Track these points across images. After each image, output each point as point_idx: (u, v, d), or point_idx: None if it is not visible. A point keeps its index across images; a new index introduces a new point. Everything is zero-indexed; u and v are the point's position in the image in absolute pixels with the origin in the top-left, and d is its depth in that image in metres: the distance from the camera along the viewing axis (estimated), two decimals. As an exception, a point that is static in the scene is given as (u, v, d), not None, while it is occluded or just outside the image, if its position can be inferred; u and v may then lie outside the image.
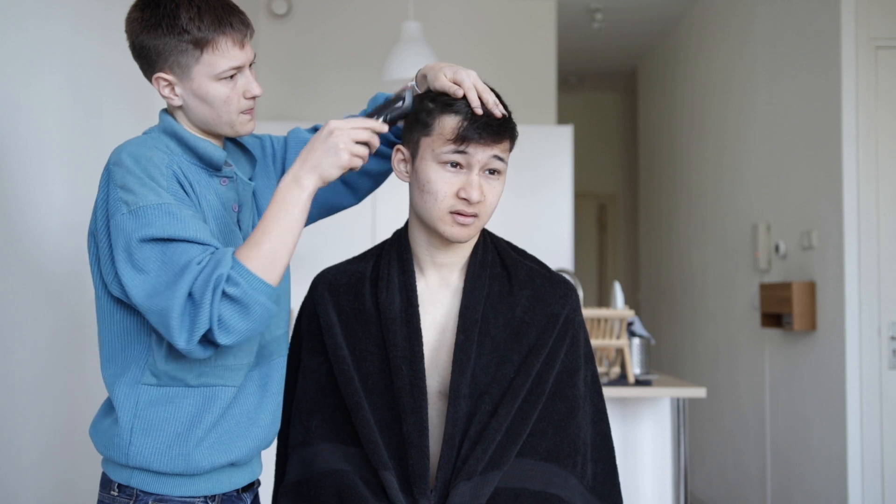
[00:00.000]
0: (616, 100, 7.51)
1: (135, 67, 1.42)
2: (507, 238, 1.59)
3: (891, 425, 3.31)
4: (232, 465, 1.42)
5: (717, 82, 4.84)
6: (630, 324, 3.09)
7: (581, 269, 7.43)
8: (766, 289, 3.87)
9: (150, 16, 1.34)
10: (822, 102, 3.52)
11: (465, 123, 1.36)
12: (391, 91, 2.92)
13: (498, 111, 1.38)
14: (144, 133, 1.43)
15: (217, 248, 1.29)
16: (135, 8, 1.38)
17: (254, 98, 1.41)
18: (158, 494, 1.37)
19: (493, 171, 1.40)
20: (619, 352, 3.06)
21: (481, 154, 1.37)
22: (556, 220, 4.38)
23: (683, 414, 3.01)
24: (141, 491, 1.37)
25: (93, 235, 1.37)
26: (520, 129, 1.51)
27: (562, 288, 1.49)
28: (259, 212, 1.51)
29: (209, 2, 1.35)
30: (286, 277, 1.53)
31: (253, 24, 1.42)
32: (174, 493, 1.37)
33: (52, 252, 2.13)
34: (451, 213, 1.38)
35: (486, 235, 1.52)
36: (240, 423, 1.40)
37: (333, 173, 1.32)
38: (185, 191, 1.34)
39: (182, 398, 1.36)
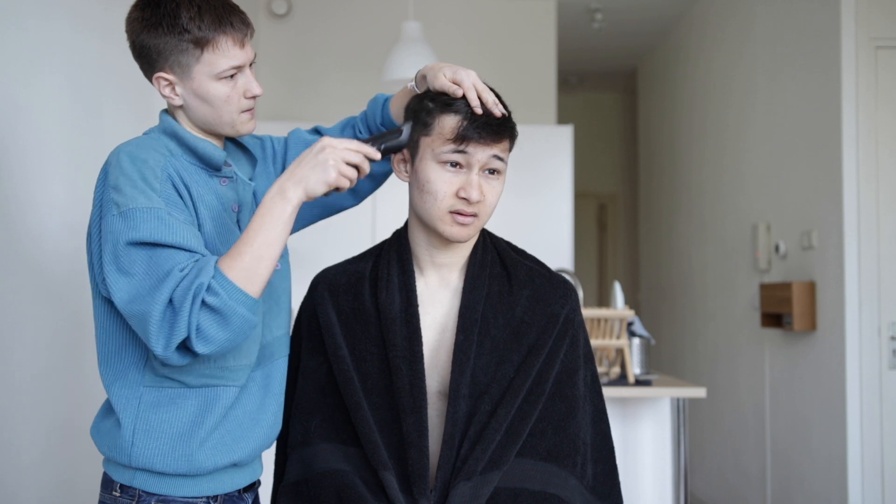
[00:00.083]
0: (616, 100, 7.51)
1: (135, 67, 1.42)
2: (507, 238, 1.59)
3: (891, 425, 3.31)
4: (234, 465, 1.42)
5: (717, 82, 4.84)
6: (630, 324, 3.09)
7: (581, 269, 7.43)
8: (766, 289, 3.87)
9: (150, 15, 1.34)
10: (822, 102, 3.52)
11: (465, 123, 1.36)
12: (391, 91, 2.92)
13: (497, 110, 1.38)
14: (144, 133, 1.43)
15: (203, 256, 1.28)
16: (135, 7, 1.38)
17: (254, 98, 1.41)
18: (161, 495, 1.36)
19: (492, 171, 1.40)
20: (619, 352, 3.06)
21: (481, 154, 1.37)
22: (556, 220, 4.38)
23: (683, 414, 3.01)
24: (143, 491, 1.37)
25: (89, 236, 1.37)
26: (520, 129, 1.51)
27: (561, 288, 1.49)
28: (259, 212, 1.50)
29: (209, 1, 1.35)
30: (286, 277, 1.53)
31: (253, 24, 1.42)
32: (177, 493, 1.37)
33: (52, 252, 2.13)
34: (451, 212, 1.38)
35: (485, 235, 1.52)
36: (242, 424, 1.40)
37: (319, 189, 1.30)
38: (180, 194, 1.33)
39: (184, 399, 1.36)
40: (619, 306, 3.04)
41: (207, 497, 1.40)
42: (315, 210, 1.59)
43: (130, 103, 2.60)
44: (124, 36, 1.40)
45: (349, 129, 1.61)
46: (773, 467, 4.02)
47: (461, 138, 1.36)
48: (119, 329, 1.37)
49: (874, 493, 3.30)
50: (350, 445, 1.42)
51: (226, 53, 1.35)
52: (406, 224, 1.51)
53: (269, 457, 1.64)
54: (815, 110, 3.58)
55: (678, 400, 3.01)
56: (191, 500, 1.38)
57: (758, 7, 4.24)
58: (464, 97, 1.38)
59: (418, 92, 1.47)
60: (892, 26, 3.36)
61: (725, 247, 4.64)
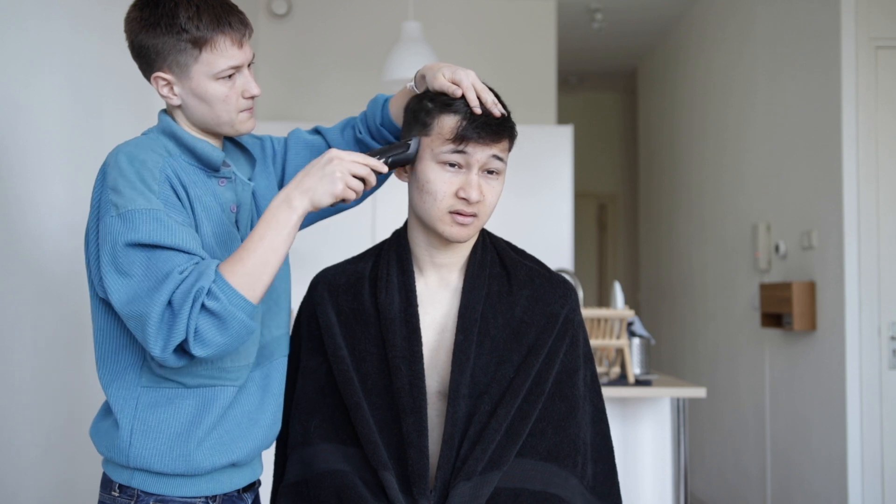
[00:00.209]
0: (616, 100, 7.51)
1: (135, 67, 1.42)
2: (507, 238, 1.59)
3: (891, 425, 3.31)
4: (233, 465, 1.42)
5: (717, 82, 4.84)
6: (630, 324, 3.09)
7: (581, 269, 7.43)
8: (766, 289, 3.87)
9: (148, 15, 1.34)
10: (822, 102, 3.52)
11: (464, 123, 1.36)
12: (391, 91, 2.92)
13: (497, 110, 1.38)
14: (143, 134, 1.43)
15: (203, 258, 1.29)
16: (134, 7, 1.38)
17: (252, 98, 1.41)
18: (159, 495, 1.36)
19: (492, 171, 1.40)
20: (619, 352, 3.06)
21: (480, 154, 1.37)
22: (556, 220, 4.38)
23: (683, 414, 3.01)
24: (142, 491, 1.37)
25: (87, 236, 1.37)
26: (520, 129, 1.51)
27: (561, 288, 1.49)
28: (258, 212, 1.50)
29: (208, 1, 1.35)
30: (286, 277, 1.53)
31: (252, 24, 1.42)
32: (175, 493, 1.37)
33: (52, 252, 2.13)
34: (451, 212, 1.38)
35: (485, 235, 1.52)
36: (241, 424, 1.40)
37: (325, 200, 1.31)
38: (178, 195, 1.33)
39: (181, 399, 1.36)
40: (619, 306, 3.04)
41: (206, 497, 1.40)
42: (315, 212, 1.59)
43: (130, 103, 2.60)
44: (124, 36, 1.40)
45: (349, 130, 1.61)
46: (773, 467, 4.02)
47: (460, 138, 1.36)
48: (117, 330, 1.37)
49: (874, 493, 3.30)
50: (350, 446, 1.42)
51: (224, 53, 1.35)
52: (406, 224, 1.51)
53: (268, 457, 1.64)
54: (815, 110, 3.58)
55: (678, 400, 3.01)
56: (189, 500, 1.38)
57: (758, 7, 4.24)
58: (463, 97, 1.38)
59: (418, 92, 1.47)
60: (892, 26, 3.36)
61: (725, 247, 4.64)
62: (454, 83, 1.38)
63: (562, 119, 6.45)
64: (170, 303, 1.23)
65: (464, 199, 1.37)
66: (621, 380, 3.00)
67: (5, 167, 1.95)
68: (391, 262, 1.48)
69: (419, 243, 1.47)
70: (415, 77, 1.48)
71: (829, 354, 3.45)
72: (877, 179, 3.35)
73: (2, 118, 1.94)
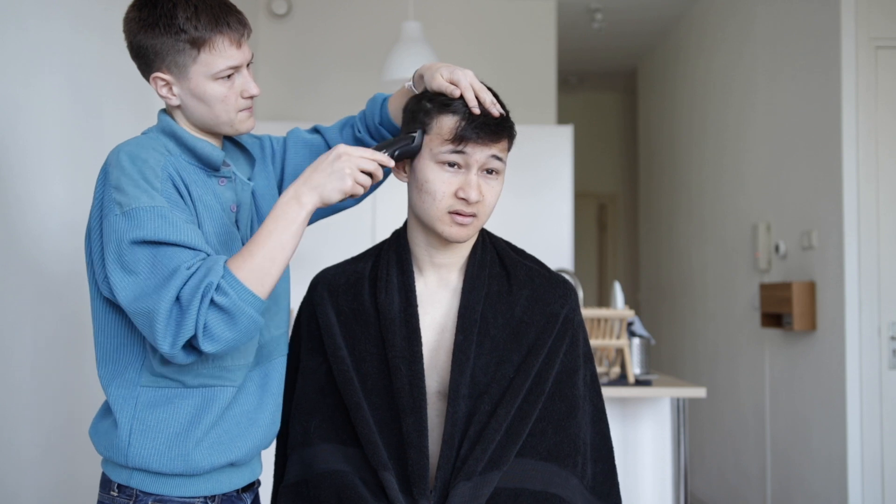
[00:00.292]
0: (616, 100, 7.51)
1: (135, 67, 1.42)
2: (506, 238, 1.59)
3: (891, 425, 3.31)
4: (231, 465, 1.42)
5: (717, 82, 4.84)
6: (630, 324, 3.09)
7: (581, 269, 7.43)
8: (766, 289, 3.87)
9: (147, 15, 1.34)
10: (822, 102, 3.52)
11: (463, 123, 1.36)
12: (391, 91, 2.92)
13: (495, 110, 1.38)
14: (143, 133, 1.43)
15: (208, 255, 1.29)
16: (132, 8, 1.38)
17: (251, 97, 1.41)
18: (158, 495, 1.36)
19: (491, 171, 1.40)
20: (619, 352, 3.06)
21: (479, 154, 1.37)
22: (556, 220, 4.38)
23: (683, 414, 3.01)
24: (141, 491, 1.37)
25: (89, 236, 1.37)
26: (519, 129, 1.51)
27: (561, 287, 1.49)
28: (258, 212, 1.51)
29: (206, 1, 1.35)
30: (286, 277, 1.53)
31: (252, 24, 1.42)
32: (174, 493, 1.37)
33: (52, 252, 2.13)
34: (450, 212, 1.38)
35: (484, 235, 1.52)
36: (239, 424, 1.40)
37: (335, 197, 1.32)
38: (180, 193, 1.33)
39: (181, 399, 1.36)
40: (619, 306, 3.04)
41: (205, 497, 1.40)
42: (316, 211, 1.59)
43: (130, 103, 2.61)
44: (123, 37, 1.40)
45: (348, 129, 1.61)
46: (773, 467, 4.02)
47: (459, 139, 1.36)
48: (117, 329, 1.37)
49: (874, 493, 3.30)
50: (350, 446, 1.42)
51: (223, 54, 1.35)
52: (405, 224, 1.51)
53: (268, 457, 1.64)
54: (815, 110, 3.58)
55: (678, 400, 3.01)
56: (188, 499, 1.38)
57: (758, 7, 4.24)
58: (461, 97, 1.37)
59: (416, 92, 1.47)
60: (892, 26, 3.36)
61: (725, 247, 4.64)
62: (452, 83, 1.38)
63: (562, 119, 6.45)
64: (178, 299, 1.23)
65: (463, 199, 1.37)
66: (621, 380, 3.00)
67: (5, 167, 1.95)
68: (391, 262, 1.48)
69: (419, 243, 1.47)
70: (413, 77, 1.48)
71: (829, 354, 3.45)
72: (877, 179, 3.35)
73: (2, 118, 1.94)
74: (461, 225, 1.39)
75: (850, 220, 3.33)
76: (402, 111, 1.47)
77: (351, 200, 1.63)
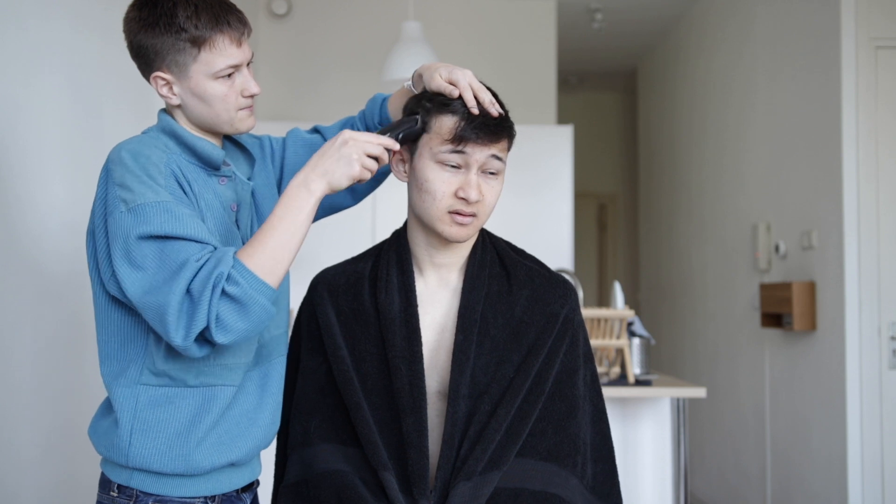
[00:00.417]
0: (616, 100, 7.51)
1: (135, 67, 1.42)
2: (506, 238, 1.59)
3: (891, 425, 3.31)
4: (231, 465, 1.42)
5: (717, 82, 4.84)
6: (630, 324, 3.09)
7: (581, 269, 7.43)
8: (766, 289, 3.87)
9: (147, 15, 1.34)
10: (822, 102, 3.52)
11: (463, 123, 1.36)
12: (391, 91, 2.92)
13: (494, 110, 1.38)
14: (143, 132, 1.43)
15: (216, 247, 1.29)
16: (132, 7, 1.38)
17: (252, 96, 1.41)
18: (158, 495, 1.36)
19: (491, 171, 1.40)
20: (619, 352, 3.06)
21: (479, 154, 1.37)
22: (556, 220, 4.38)
23: (683, 414, 3.01)
24: (140, 492, 1.36)
25: (91, 234, 1.37)
26: (519, 129, 1.51)
27: (561, 287, 1.49)
28: (258, 211, 1.51)
29: (206, 0, 1.35)
30: (285, 277, 1.53)
31: (252, 24, 1.42)
32: (174, 493, 1.37)
33: (52, 252, 2.13)
34: (450, 212, 1.38)
35: (484, 235, 1.52)
36: (239, 424, 1.40)
37: (343, 183, 1.32)
38: (183, 189, 1.34)
39: (181, 398, 1.36)
40: (619, 306, 3.04)
41: (205, 497, 1.40)
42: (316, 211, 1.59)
43: (130, 103, 2.61)
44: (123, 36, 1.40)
45: (347, 128, 1.61)
46: (773, 467, 4.02)
47: (459, 139, 1.36)
48: (120, 327, 1.37)
49: (874, 493, 3.30)
50: (350, 446, 1.42)
51: (223, 52, 1.35)
52: (405, 224, 1.51)
53: (268, 457, 1.64)
54: (815, 110, 3.58)
55: (678, 400, 3.01)
56: (188, 500, 1.38)
57: (758, 7, 4.24)
58: (460, 97, 1.37)
59: (415, 92, 1.47)
60: (892, 26, 3.36)
61: (725, 247, 4.64)
62: (451, 83, 1.38)
63: (562, 119, 6.45)
64: (188, 291, 1.23)
65: (463, 198, 1.37)
66: (621, 380, 3.00)
67: (5, 167, 1.95)
68: (391, 262, 1.48)
69: (419, 243, 1.47)
70: (412, 77, 1.48)
71: (829, 354, 3.45)
72: (877, 179, 3.35)
73: (2, 118, 1.94)
74: (461, 225, 1.39)
75: (850, 220, 3.33)
76: (402, 111, 1.47)
77: (350, 200, 1.64)
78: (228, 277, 1.23)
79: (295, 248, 1.31)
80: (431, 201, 1.38)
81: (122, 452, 1.35)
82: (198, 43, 1.34)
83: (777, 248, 3.92)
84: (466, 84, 1.37)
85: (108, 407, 1.43)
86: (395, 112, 1.54)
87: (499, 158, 1.39)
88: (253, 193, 1.50)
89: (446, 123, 1.37)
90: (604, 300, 7.46)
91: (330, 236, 3.74)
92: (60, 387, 2.18)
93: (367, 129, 1.60)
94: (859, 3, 3.35)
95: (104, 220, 1.32)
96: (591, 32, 5.53)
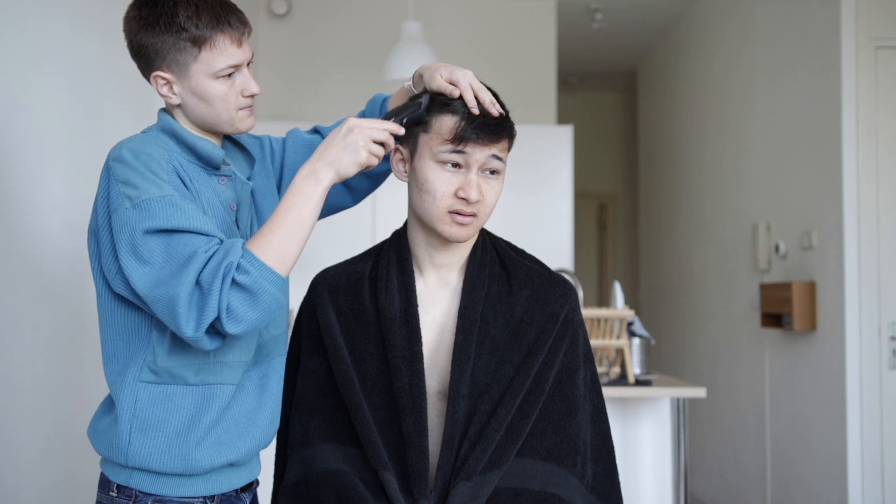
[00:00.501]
0: (616, 100, 7.51)
1: (135, 67, 1.42)
2: (506, 238, 1.59)
3: (891, 425, 3.31)
4: (231, 465, 1.42)
5: (717, 82, 4.84)
6: (630, 324, 3.09)
7: (581, 269, 7.43)
8: (766, 289, 3.87)
9: (147, 14, 1.34)
10: (822, 102, 3.52)
11: (463, 123, 1.36)
12: (391, 91, 2.92)
13: (495, 110, 1.38)
14: (143, 131, 1.43)
15: (222, 240, 1.29)
16: (133, 6, 1.38)
17: (252, 96, 1.41)
18: (157, 495, 1.36)
19: (491, 171, 1.40)
20: (619, 352, 3.06)
21: (479, 154, 1.37)
22: (556, 220, 4.38)
23: (683, 414, 3.01)
24: (140, 492, 1.36)
25: (93, 233, 1.37)
26: (519, 128, 1.51)
27: (561, 287, 1.49)
28: (257, 211, 1.51)
29: (207, 0, 1.35)
30: (285, 277, 1.53)
31: (252, 24, 1.42)
32: (173, 493, 1.37)
33: (52, 252, 2.13)
34: (450, 212, 1.38)
35: (485, 235, 1.52)
36: (239, 423, 1.40)
37: (351, 170, 1.33)
38: (185, 185, 1.34)
39: (181, 396, 1.36)
40: (619, 306, 3.04)
41: (204, 497, 1.40)
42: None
43: (130, 103, 2.61)
44: (123, 36, 1.40)
45: (348, 129, 1.61)
46: (773, 467, 4.02)
47: (459, 139, 1.36)
48: (125, 325, 1.37)
49: (874, 493, 3.30)
50: (350, 446, 1.42)
51: (223, 52, 1.35)
52: (405, 224, 1.51)
53: (268, 457, 1.64)
54: (815, 110, 3.58)
55: (678, 400, 3.01)
56: (187, 500, 1.38)
57: (758, 7, 4.24)
58: (461, 97, 1.37)
59: (416, 92, 1.47)
60: (892, 26, 3.36)
61: (725, 247, 4.64)
62: (452, 83, 1.38)
63: (562, 119, 6.45)
64: (198, 282, 1.23)
65: (463, 198, 1.37)
66: (621, 380, 3.00)
67: (5, 167, 1.95)
68: (391, 262, 1.48)
69: (419, 243, 1.47)
70: (413, 77, 1.48)
71: (829, 354, 3.45)
72: (877, 179, 3.35)
73: (2, 118, 1.94)
74: (461, 225, 1.39)
75: (850, 220, 3.33)
76: (402, 111, 1.47)
77: (350, 200, 1.64)
78: (238, 267, 1.24)
79: (304, 239, 1.31)
80: (431, 201, 1.38)
81: (121, 451, 1.35)
82: (198, 42, 1.34)
83: (777, 248, 3.93)
84: (467, 84, 1.37)
85: (107, 407, 1.42)
86: (395, 112, 1.54)
87: (499, 158, 1.39)
88: (253, 193, 1.50)
89: (446, 123, 1.37)
90: (604, 300, 7.46)
91: (330, 236, 3.74)
92: (60, 387, 2.18)
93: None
94: (859, 3, 3.35)
95: (107, 218, 1.32)
96: (591, 32, 5.53)
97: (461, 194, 1.37)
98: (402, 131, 1.37)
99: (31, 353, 2.04)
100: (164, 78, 1.38)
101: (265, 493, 1.75)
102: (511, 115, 1.43)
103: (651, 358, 3.52)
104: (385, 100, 1.58)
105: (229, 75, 1.37)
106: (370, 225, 4.23)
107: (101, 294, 1.39)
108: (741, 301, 4.41)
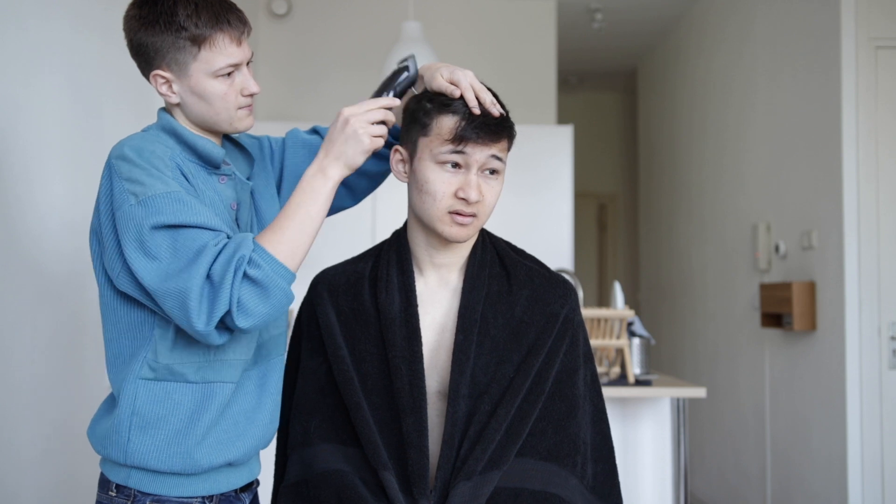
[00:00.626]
0: (616, 100, 7.51)
1: (135, 67, 1.42)
2: (506, 238, 1.59)
3: (891, 425, 3.31)
4: (230, 464, 1.41)
5: (717, 82, 4.84)
6: (630, 324, 3.09)
7: (581, 269, 7.43)
8: (766, 289, 3.87)
9: (147, 13, 1.35)
10: (822, 102, 3.52)
11: (463, 123, 1.36)
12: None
13: (495, 110, 1.38)
14: (143, 130, 1.43)
15: (229, 235, 1.29)
16: (132, 5, 1.38)
17: (251, 95, 1.41)
18: (156, 495, 1.36)
19: (491, 171, 1.40)
20: (619, 352, 3.06)
21: (479, 154, 1.37)
22: (556, 220, 4.38)
23: (683, 414, 3.01)
24: (138, 491, 1.36)
25: (95, 232, 1.37)
26: (519, 129, 1.51)
27: (561, 287, 1.49)
28: (257, 211, 1.51)
29: (206, -1, 1.35)
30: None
31: (252, 24, 1.42)
32: (172, 493, 1.37)
33: (52, 252, 2.13)
34: (450, 212, 1.38)
35: (485, 235, 1.52)
36: (238, 423, 1.40)
37: (359, 159, 1.34)
38: (188, 181, 1.34)
39: (180, 394, 1.35)
40: (619, 306, 3.04)
41: (203, 497, 1.39)
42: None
43: (130, 103, 2.61)
44: (123, 35, 1.40)
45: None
46: (773, 467, 4.02)
47: (459, 139, 1.36)
48: (129, 323, 1.37)
49: (874, 493, 3.30)
50: (350, 446, 1.42)
51: (223, 51, 1.35)
52: (405, 224, 1.51)
53: (268, 457, 1.64)
54: (815, 110, 3.58)
55: (678, 400, 3.01)
56: (186, 499, 1.38)
57: (758, 7, 4.24)
58: (461, 97, 1.38)
59: (416, 92, 1.47)
60: (892, 26, 3.36)
61: (725, 247, 4.64)
62: (452, 83, 1.38)
63: (562, 119, 6.45)
64: (209, 276, 1.23)
65: (463, 199, 1.37)
66: (621, 380, 3.00)
67: (5, 167, 1.95)
68: (391, 262, 1.48)
69: (419, 243, 1.47)
70: (413, 77, 1.48)
71: (829, 354, 3.45)
72: (877, 179, 3.35)
73: (2, 118, 1.94)
74: (461, 225, 1.39)
75: (850, 220, 3.33)
76: (403, 111, 1.47)
77: (350, 200, 1.64)
78: (250, 261, 1.24)
79: (313, 234, 1.32)
80: (431, 202, 1.38)
81: (120, 449, 1.35)
82: (198, 41, 1.34)
83: (777, 248, 3.92)
84: (468, 84, 1.38)
85: (108, 407, 1.42)
86: (395, 113, 1.54)
87: (499, 158, 1.39)
88: (252, 193, 1.50)
89: (447, 123, 1.37)
90: (604, 300, 7.46)
91: (330, 236, 3.74)
92: (60, 387, 2.18)
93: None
94: (859, 3, 3.35)
95: (110, 216, 1.32)
96: (591, 32, 5.53)
97: (461, 194, 1.37)
98: (396, 102, 1.39)
99: (31, 353, 2.04)
100: (163, 77, 1.38)
101: (265, 493, 1.75)
102: (511, 115, 1.43)
103: (651, 358, 3.52)
104: (394, 71, 1.58)
105: (229, 74, 1.37)
106: (370, 225, 4.23)
107: (103, 293, 1.39)
108: (741, 301, 4.41)
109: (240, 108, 1.40)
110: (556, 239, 4.35)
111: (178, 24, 1.33)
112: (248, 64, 1.41)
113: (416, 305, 1.43)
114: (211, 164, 1.41)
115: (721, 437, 4.74)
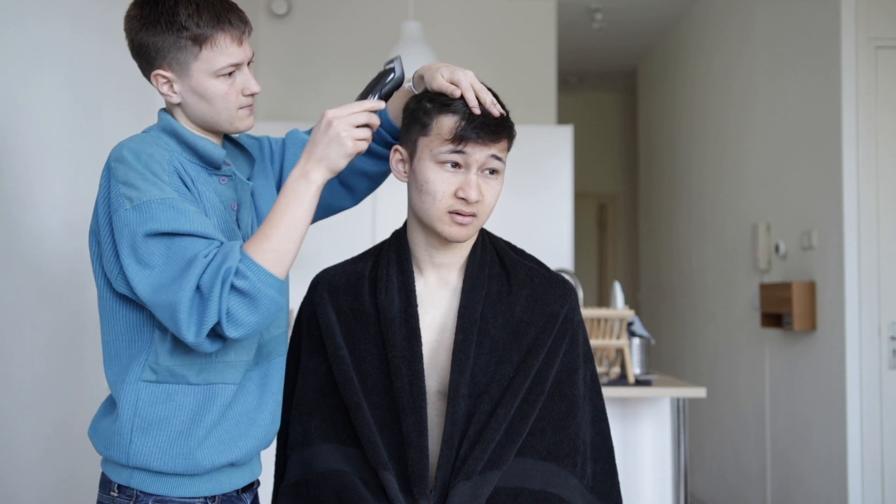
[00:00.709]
0: (616, 100, 7.51)
1: (135, 67, 1.42)
2: (506, 238, 1.59)
3: (891, 425, 3.31)
4: (232, 465, 1.42)
5: (717, 82, 4.84)
6: (630, 324, 3.09)
7: (581, 269, 7.43)
8: (766, 289, 3.87)
9: (148, 13, 1.35)
10: (822, 102, 3.52)
11: (463, 123, 1.36)
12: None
13: (496, 110, 1.38)
14: (143, 131, 1.43)
15: (222, 242, 1.29)
16: (133, 5, 1.38)
17: (252, 95, 1.41)
18: (158, 495, 1.36)
19: (491, 171, 1.40)
20: (619, 352, 3.06)
21: (479, 154, 1.37)
22: (556, 220, 4.38)
23: (683, 414, 3.01)
24: (140, 492, 1.36)
25: (94, 234, 1.37)
26: (519, 129, 1.51)
27: (560, 287, 1.49)
28: (257, 212, 1.51)
29: (207, -1, 1.35)
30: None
31: (252, 24, 1.42)
32: (174, 493, 1.37)
33: (52, 252, 2.13)
34: (450, 212, 1.38)
35: (484, 235, 1.52)
36: (240, 423, 1.40)
37: (341, 163, 1.33)
38: (186, 186, 1.34)
39: (182, 395, 1.36)
40: (619, 306, 3.04)
41: (205, 497, 1.39)
42: (316, 211, 1.59)
43: (130, 103, 2.61)
44: (124, 35, 1.40)
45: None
46: (773, 467, 4.02)
47: (459, 138, 1.36)
48: (127, 324, 1.37)
49: (874, 493, 3.30)
50: (350, 446, 1.42)
51: (224, 51, 1.35)
52: (405, 224, 1.51)
53: (268, 457, 1.64)
54: (815, 110, 3.58)
55: (678, 400, 3.01)
56: (188, 500, 1.38)
57: (758, 7, 4.24)
58: (461, 97, 1.38)
59: (416, 92, 1.47)
60: (892, 26, 3.36)
61: (725, 247, 4.64)
62: (453, 83, 1.38)
63: (562, 119, 6.45)
64: (198, 287, 1.23)
65: (463, 198, 1.37)
66: (621, 380, 3.00)
67: (5, 167, 1.95)
68: (391, 262, 1.48)
69: (419, 243, 1.47)
70: (413, 77, 1.48)
71: (829, 354, 3.45)
72: (877, 179, 3.35)
73: (2, 118, 1.94)
74: (461, 225, 1.39)
75: (850, 220, 3.33)
76: (403, 111, 1.47)
77: (349, 201, 1.64)
78: (237, 272, 1.24)
79: (299, 239, 1.31)
80: (431, 202, 1.38)
81: (122, 450, 1.35)
82: (199, 41, 1.34)
83: (777, 248, 3.93)
84: (468, 84, 1.37)
85: (108, 407, 1.42)
86: (395, 113, 1.54)
87: (499, 158, 1.39)
88: (252, 194, 1.50)
89: (447, 123, 1.37)
90: (604, 300, 7.46)
91: (330, 236, 3.74)
92: (60, 387, 2.18)
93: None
94: (859, 3, 3.35)
95: (108, 218, 1.32)
96: (591, 32, 5.53)
97: (461, 194, 1.37)
98: (381, 105, 1.38)
99: (31, 353, 2.04)
100: (164, 77, 1.38)
101: (265, 493, 1.75)
102: (511, 115, 1.43)
103: (651, 358, 3.52)
104: (379, 73, 1.58)
105: (230, 74, 1.37)
106: (370, 225, 4.23)
107: (102, 295, 1.39)
108: (741, 301, 4.41)
109: (241, 107, 1.40)
110: (556, 239, 4.35)
111: (179, 24, 1.33)
112: (248, 64, 1.41)
113: (416, 305, 1.43)
114: (211, 165, 1.41)
115: (721, 437, 4.74)
